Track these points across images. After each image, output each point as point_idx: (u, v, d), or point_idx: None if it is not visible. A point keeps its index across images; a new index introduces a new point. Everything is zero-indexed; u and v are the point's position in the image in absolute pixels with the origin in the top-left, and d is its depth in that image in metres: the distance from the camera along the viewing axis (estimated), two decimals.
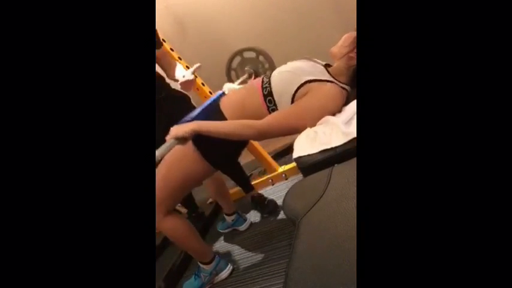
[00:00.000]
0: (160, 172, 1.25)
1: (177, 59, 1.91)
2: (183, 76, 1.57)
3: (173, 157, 1.22)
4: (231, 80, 1.80)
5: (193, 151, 1.21)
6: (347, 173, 0.80)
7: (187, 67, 1.93)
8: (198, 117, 1.20)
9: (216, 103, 1.27)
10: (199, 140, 1.12)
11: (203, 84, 1.94)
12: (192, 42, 2.28)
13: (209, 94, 1.94)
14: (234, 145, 1.24)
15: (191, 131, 1.07)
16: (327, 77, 1.12)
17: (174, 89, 1.73)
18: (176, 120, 1.65)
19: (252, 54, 1.74)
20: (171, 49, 1.93)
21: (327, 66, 1.19)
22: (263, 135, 1.07)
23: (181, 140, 1.08)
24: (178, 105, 1.66)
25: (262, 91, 1.15)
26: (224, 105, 1.23)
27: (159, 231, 1.33)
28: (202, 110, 1.25)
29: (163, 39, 1.92)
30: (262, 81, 1.17)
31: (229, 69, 1.80)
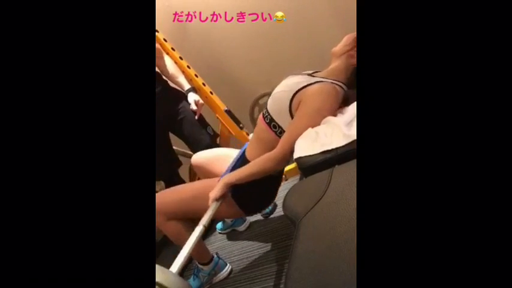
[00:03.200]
0: (185, 194, 1.27)
1: (178, 58, 1.91)
2: (194, 100, 1.68)
3: (205, 190, 1.20)
4: (253, 121, 1.85)
5: (229, 198, 1.23)
6: (347, 174, 0.80)
7: (188, 67, 1.93)
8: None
9: (243, 154, 1.31)
10: (235, 188, 1.17)
11: (204, 85, 1.95)
12: (193, 41, 2.28)
13: (209, 94, 1.94)
14: (269, 184, 1.30)
15: (225, 187, 1.14)
16: (313, 80, 1.14)
17: (170, 85, 1.79)
18: (173, 113, 1.69)
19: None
20: (172, 48, 1.93)
21: (313, 73, 1.23)
22: (282, 160, 1.12)
23: (221, 199, 1.15)
24: (175, 98, 1.74)
25: (265, 120, 1.20)
26: (248, 152, 1.29)
27: (159, 230, 1.33)
28: (233, 165, 1.30)
29: (164, 39, 1.92)
30: (263, 113, 1.23)
31: (252, 117, 1.86)
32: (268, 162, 1.12)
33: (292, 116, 1.13)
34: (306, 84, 1.12)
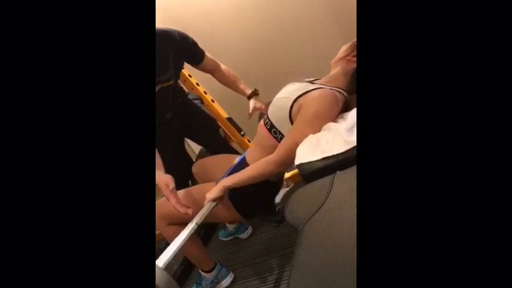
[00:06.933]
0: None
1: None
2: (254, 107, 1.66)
3: (202, 195, 1.22)
4: None
5: (227, 201, 1.25)
6: (349, 180, 0.80)
7: (190, 75, 1.95)
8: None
9: (244, 159, 1.33)
10: (234, 192, 1.19)
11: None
12: None
13: (211, 102, 1.95)
14: (267, 190, 1.32)
15: (223, 189, 1.15)
16: (313, 86, 1.15)
17: (188, 96, 1.89)
18: (189, 120, 1.77)
19: None
20: None
21: (314, 80, 1.24)
22: (282, 164, 1.13)
23: (217, 200, 1.17)
24: (190, 106, 1.85)
25: (266, 127, 1.22)
26: (248, 158, 1.31)
27: (161, 238, 1.34)
28: (233, 169, 1.32)
29: None
30: (264, 119, 1.25)
31: None
32: (267, 165, 1.13)
33: (292, 122, 1.14)
34: (305, 90, 1.13)
